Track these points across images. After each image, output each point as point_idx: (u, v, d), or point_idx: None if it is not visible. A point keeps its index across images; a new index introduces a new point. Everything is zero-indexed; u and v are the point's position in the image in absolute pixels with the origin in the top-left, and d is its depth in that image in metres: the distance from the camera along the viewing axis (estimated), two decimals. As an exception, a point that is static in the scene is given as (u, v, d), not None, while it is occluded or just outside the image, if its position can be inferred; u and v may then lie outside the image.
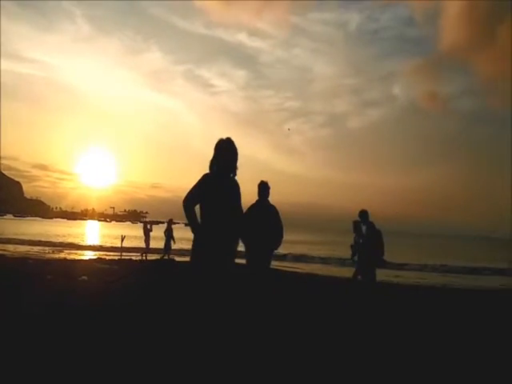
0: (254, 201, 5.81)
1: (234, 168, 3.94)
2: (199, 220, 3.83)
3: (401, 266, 25.08)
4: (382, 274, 19.63)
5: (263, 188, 5.84)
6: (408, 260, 28.04)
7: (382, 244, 7.80)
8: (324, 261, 26.99)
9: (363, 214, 7.86)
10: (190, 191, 3.84)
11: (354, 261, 8.06)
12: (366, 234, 7.76)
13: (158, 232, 20.02)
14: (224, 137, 3.96)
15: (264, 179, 5.88)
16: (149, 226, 18.74)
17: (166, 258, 16.79)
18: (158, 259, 17.06)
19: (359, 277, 7.89)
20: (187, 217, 3.78)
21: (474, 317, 7.42)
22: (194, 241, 3.85)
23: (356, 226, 7.89)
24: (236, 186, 4.02)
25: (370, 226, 7.80)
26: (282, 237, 5.76)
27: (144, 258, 17.47)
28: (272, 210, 5.83)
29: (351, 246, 8.02)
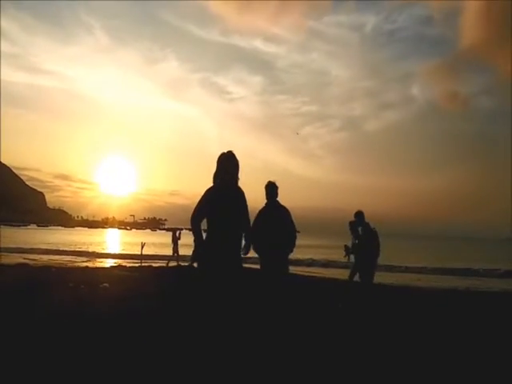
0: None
1: (235, 180, 4.08)
2: (207, 232, 4.05)
3: (419, 270, 24.83)
4: (405, 278, 19.49)
5: (271, 189, 5.56)
6: (426, 263, 27.69)
7: (378, 245, 7.88)
8: (340, 265, 26.73)
9: (359, 214, 7.89)
10: (196, 207, 4.02)
11: (350, 262, 8.18)
12: (363, 234, 7.77)
13: (186, 239, 19.86)
14: (226, 150, 4.07)
15: (272, 179, 5.60)
16: (177, 234, 19.02)
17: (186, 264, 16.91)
18: (177, 266, 17.21)
19: (357, 278, 7.94)
20: (193, 232, 3.98)
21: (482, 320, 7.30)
22: (197, 255, 4.09)
23: (352, 226, 7.94)
24: (241, 195, 4.14)
25: (366, 226, 7.85)
26: (295, 238, 5.54)
27: (168, 265, 17.59)
28: (283, 211, 5.56)
29: (345, 246, 8.10)
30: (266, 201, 5.60)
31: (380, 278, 19.80)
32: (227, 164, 4.03)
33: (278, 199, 5.60)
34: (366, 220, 7.92)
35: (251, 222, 4.48)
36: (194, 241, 4.00)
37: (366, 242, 7.74)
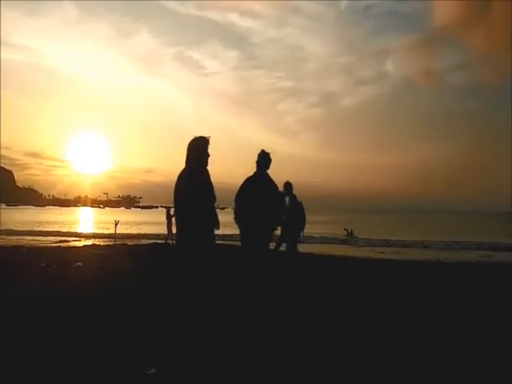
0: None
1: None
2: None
3: (385, 242, 25.62)
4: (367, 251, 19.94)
5: (263, 159, 5.10)
6: (389, 236, 28.51)
7: (304, 217, 8.06)
8: (320, 240, 27.14)
9: (287, 186, 7.93)
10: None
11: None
12: (289, 206, 7.83)
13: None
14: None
15: (266, 150, 5.16)
16: (171, 212, 17.57)
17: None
18: (153, 243, 17.00)
19: (284, 248, 8.06)
20: None
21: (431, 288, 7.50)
22: None
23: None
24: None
25: (293, 198, 7.95)
26: (281, 215, 5.26)
27: (168, 243, 16.87)
28: (271, 185, 5.13)
29: None
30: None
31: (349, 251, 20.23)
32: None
33: (268, 172, 5.15)
34: (294, 192, 7.99)
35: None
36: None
37: (292, 213, 7.78)
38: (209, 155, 4.08)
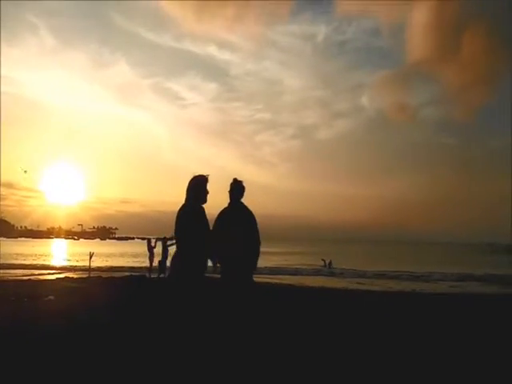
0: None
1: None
2: None
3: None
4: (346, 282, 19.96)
5: (236, 188, 4.83)
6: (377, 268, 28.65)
7: None
8: (297, 271, 27.11)
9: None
10: None
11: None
12: None
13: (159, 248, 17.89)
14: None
15: (238, 179, 4.88)
16: (153, 243, 17.09)
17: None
18: (128, 276, 16.61)
19: None
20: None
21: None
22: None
23: None
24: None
25: None
26: (258, 246, 4.83)
27: (150, 276, 16.27)
28: (247, 214, 4.82)
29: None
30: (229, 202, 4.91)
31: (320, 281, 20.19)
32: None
33: (242, 201, 4.87)
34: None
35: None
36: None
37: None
38: (207, 192, 4.33)
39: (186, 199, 4.31)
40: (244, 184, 4.89)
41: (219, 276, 4.76)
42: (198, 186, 4.32)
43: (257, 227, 4.85)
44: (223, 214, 4.82)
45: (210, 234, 4.32)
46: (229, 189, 4.86)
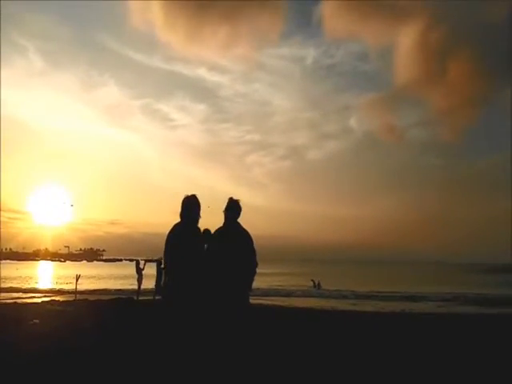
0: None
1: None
2: None
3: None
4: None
5: (232, 207, 4.66)
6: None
7: None
8: (287, 292, 26.93)
9: (206, 232, 7.51)
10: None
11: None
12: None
13: (150, 270, 17.33)
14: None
15: (234, 198, 4.73)
16: (141, 265, 16.80)
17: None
18: (115, 298, 16.36)
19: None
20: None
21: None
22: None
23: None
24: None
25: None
26: (255, 268, 4.65)
27: (137, 298, 16.01)
28: (243, 235, 4.64)
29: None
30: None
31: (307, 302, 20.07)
32: None
33: (238, 221, 4.71)
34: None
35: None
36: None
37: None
38: (199, 211, 4.40)
39: (181, 218, 4.34)
40: (241, 203, 4.71)
41: (212, 298, 4.50)
42: (190, 205, 4.34)
43: (253, 248, 4.66)
44: (218, 233, 4.66)
45: (205, 255, 4.28)
46: (224, 208, 4.68)
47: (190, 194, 4.42)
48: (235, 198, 4.72)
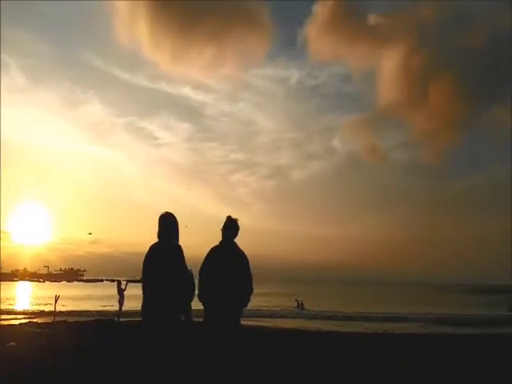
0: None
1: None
2: None
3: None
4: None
5: (230, 226, 4.57)
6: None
7: (193, 289, 7.58)
8: (271, 313, 26.71)
9: None
10: None
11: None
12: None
13: (132, 291, 16.83)
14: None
15: (233, 217, 4.63)
16: (123, 286, 16.29)
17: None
18: (95, 320, 16.00)
19: None
20: None
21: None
22: None
23: None
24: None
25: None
26: (250, 290, 4.51)
27: (118, 320, 15.43)
28: (239, 255, 4.54)
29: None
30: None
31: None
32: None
33: (235, 241, 4.61)
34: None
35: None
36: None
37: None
38: (177, 230, 4.21)
39: (158, 237, 4.19)
40: (239, 223, 4.62)
41: (203, 319, 4.50)
42: (167, 223, 4.18)
43: (250, 272, 4.54)
44: (213, 252, 4.58)
45: (187, 275, 4.15)
46: (222, 226, 4.60)
47: (166, 211, 4.27)
48: (233, 216, 4.63)
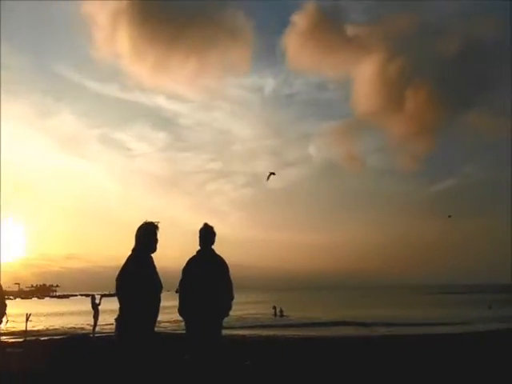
0: (181, 263, 4.54)
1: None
2: None
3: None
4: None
5: (206, 234, 4.46)
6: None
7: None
8: (248, 321, 26.52)
9: None
10: None
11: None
12: None
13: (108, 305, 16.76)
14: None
15: (209, 224, 4.54)
16: (97, 300, 15.83)
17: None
18: (69, 337, 15.50)
19: None
20: None
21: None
22: None
23: None
24: None
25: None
26: (231, 297, 4.40)
27: (93, 336, 15.09)
28: (219, 263, 4.42)
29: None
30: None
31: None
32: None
33: (213, 248, 4.51)
34: None
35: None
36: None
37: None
38: (157, 241, 4.02)
39: (134, 249, 4.01)
40: (215, 230, 4.52)
41: (186, 334, 4.38)
42: (146, 234, 4.01)
43: (229, 277, 4.42)
44: (192, 263, 4.43)
45: (159, 288, 4.00)
46: (198, 235, 4.48)
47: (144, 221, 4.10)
48: (209, 223, 4.55)
